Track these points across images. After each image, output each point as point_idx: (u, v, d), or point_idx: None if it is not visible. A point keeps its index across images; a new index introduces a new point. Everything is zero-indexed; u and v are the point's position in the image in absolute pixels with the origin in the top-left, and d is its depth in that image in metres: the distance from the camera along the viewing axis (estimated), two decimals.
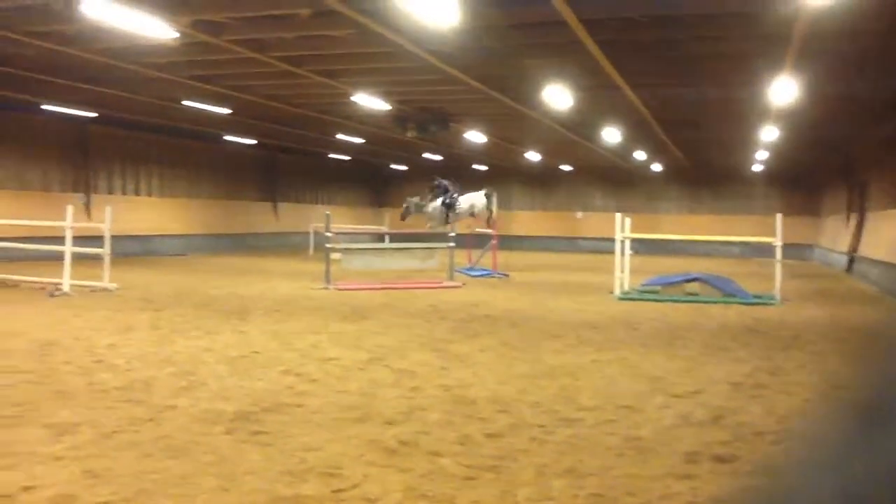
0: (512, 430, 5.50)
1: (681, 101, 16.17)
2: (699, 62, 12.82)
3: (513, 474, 4.56)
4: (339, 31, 11.70)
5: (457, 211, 21.15)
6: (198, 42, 12.08)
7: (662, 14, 10.26)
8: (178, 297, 13.34)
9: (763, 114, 16.81)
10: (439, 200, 21.05)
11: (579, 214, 36.84)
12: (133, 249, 22.07)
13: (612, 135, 21.39)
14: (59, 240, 13.81)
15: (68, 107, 19.75)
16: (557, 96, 14.72)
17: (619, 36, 11.03)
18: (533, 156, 29.55)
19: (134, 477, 4.37)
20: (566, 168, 34.98)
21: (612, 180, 35.39)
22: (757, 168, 31.36)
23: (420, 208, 20.92)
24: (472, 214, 21.47)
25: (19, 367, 7.23)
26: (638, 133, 21.52)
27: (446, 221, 21.21)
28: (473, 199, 21.55)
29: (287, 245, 30.87)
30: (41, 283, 13.92)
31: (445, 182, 21.61)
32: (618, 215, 15.40)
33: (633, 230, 15.68)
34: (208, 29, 11.36)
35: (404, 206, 21.07)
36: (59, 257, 13.71)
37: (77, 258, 13.70)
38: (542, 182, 36.96)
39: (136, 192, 25.79)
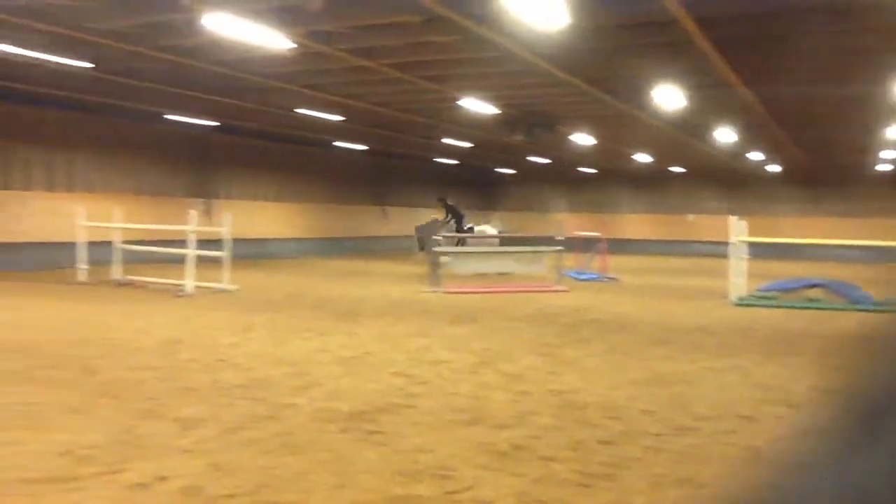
0: (625, 437, 5.42)
1: (801, 98, 15.49)
2: (820, 58, 12.26)
3: (627, 482, 4.50)
4: (447, 37, 11.81)
5: (468, 241, 21.05)
6: (311, 52, 12.46)
7: (780, 8, 9.88)
8: (294, 299, 13.78)
9: (890, 111, 15.91)
10: (450, 225, 21.02)
11: (691, 217, 35.85)
12: (250, 252, 22.92)
13: (725, 134, 20.71)
14: (184, 243, 14.53)
15: (191, 116, 20.77)
16: (668, 96, 14.39)
17: (734, 32, 10.68)
18: (642, 157, 28.95)
19: (256, 471, 4.55)
20: (677, 170, 34.09)
21: (726, 181, 34.24)
22: (882, 168, 29.66)
23: (430, 232, 20.90)
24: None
25: (150, 364, 7.66)
26: (753, 132, 20.75)
27: (456, 244, 21.17)
28: (485, 231, 21.46)
29: (394, 248, 31.38)
30: (167, 284, 14.67)
31: (456, 207, 21.58)
32: (732, 217, 14.90)
33: (749, 233, 15.13)
34: (321, 38, 11.71)
35: (416, 235, 21.12)
36: (183, 260, 14.42)
37: (199, 260, 14.37)
38: (651, 184, 36.17)
39: (254, 198, 26.79)
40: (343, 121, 20.51)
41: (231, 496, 4.17)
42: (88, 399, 6.20)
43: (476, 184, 39.34)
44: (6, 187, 19.09)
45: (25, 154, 19.52)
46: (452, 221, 21.25)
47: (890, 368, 0.71)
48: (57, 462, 4.64)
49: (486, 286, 15.87)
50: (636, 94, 15.21)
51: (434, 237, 20.53)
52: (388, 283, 17.50)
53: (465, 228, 20.95)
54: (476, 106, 16.99)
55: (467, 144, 26.38)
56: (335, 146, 27.64)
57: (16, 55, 12.65)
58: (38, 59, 12.83)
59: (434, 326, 10.74)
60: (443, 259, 16.58)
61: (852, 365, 0.71)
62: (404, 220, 32.83)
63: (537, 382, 7.18)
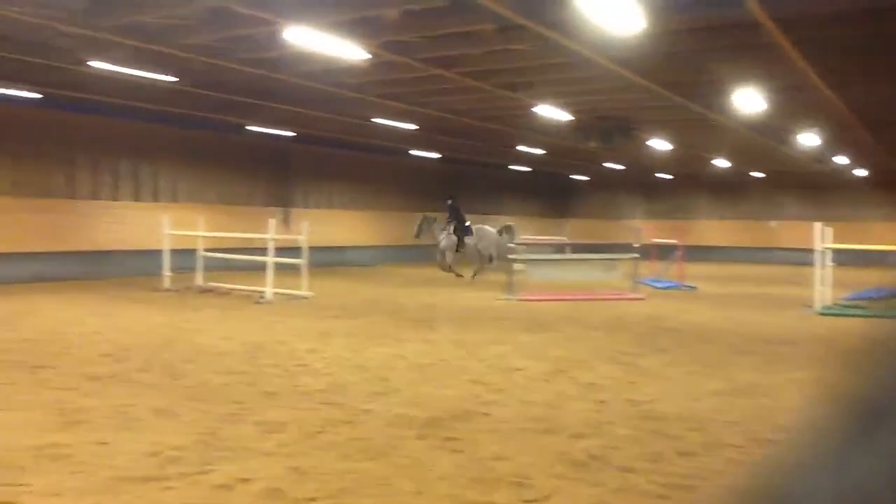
0: (706, 449, 5.31)
1: (888, 100, 14.91)
2: None
3: (708, 495, 4.41)
4: (522, 45, 11.82)
5: (465, 244, 20.63)
6: (386, 62, 12.64)
7: (866, 8, 9.54)
8: (370, 306, 13.97)
9: None
10: (452, 228, 20.58)
11: (773, 223, 34.83)
12: (326, 260, 23.32)
13: (808, 138, 20.07)
14: (263, 251, 14.91)
15: (271, 127, 21.31)
16: (748, 99, 14.04)
17: (817, 33, 10.38)
18: (721, 162, 28.30)
19: (336, 475, 4.64)
20: (757, 174, 33.20)
21: (809, 186, 33.15)
22: None
23: (430, 226, 20.52)
24: (478, 250, 20.91)
25: (233, 369, 7.89)
26: (839, 135, 20.05)
27: (456, 250, 20.69)
28: (483, 236, 20.95)
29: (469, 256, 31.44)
30: (247, 291, 15.06)
31: (457, 205, 21.14)
32: (817, 224, 14.41)
33: (836, 240, 14.61)
34: (397, 49, 11.86)
35: (420, 221, 20.64)
36: (262, 267, 14.79)
37: (278, 268, 14.70)
38: (731, 189, 35.32)
39: (329, 206, 27.27)
40: (417, 129, 20.71)
41: (312, 499, 4.26)
42: (175, 402, 6.42)
43: (549, 191, 39.13)
44: (96, 197, 19.92)
45: (114, 165, 20.35)
46: (453, 225, 20.77)
47: (890, 371, 0.70)
48: (147, 462, 4.83)
49: (562, 294, 15.75)
50: (715, 98, 14.91)
51: (442, 240, 20.40)
52: (462, 290, 17.56)
53: (459, 234, 20.55)
54: (551, 112, 16.93)
55: (541, 151, 26.29)
56: (409, 154, 27.91)
57: (107, 70, 13.21)
58: (126, 73, 13.38)
59: (509, 334, 10.73)
60: (517, 267, 16.54)
61: (853, 367, 0.72)
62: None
63: (614, 392, 7.10)
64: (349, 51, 11.02)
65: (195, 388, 7.02)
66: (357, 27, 10.49)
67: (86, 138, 19.58)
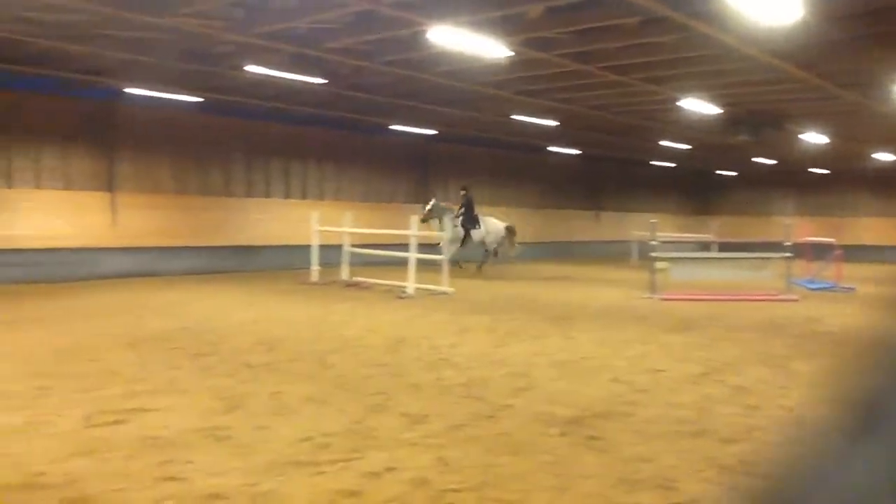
0: None
1: None
2: None
3: None
4: (667, 37, 11.52)
5: (472, 238, 19.63)
6: (527, 58, 12.64)
7: None
8: (508, 302, 14.02)
9: None
10: (461, 220, 19.61)
11: None
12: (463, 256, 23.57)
13: None
14: (404, 247, 15.27)
15: (413, 126, 21.79)
16: None
17: None
18: (882, 156, 26.44)
19: (479, 468, 4.70)
20: None
21: None
22: None
23: (440, 213, 19.49)
24: (483, 243, 19.92)
25: (378, 361, 8.13)
26: None
27: (462, 244, 19.65)
28: (491, 229, 19.92)
29: (608, 253, 30.99)
30: (390, 285, 15.47)
31: (471, 196, 20.09)
32: None
33: None
34: (539, 45, 11.84)
35: (429, 206, 19.53)
36: (403, 262, 15.15)
37: (419, 264, 15.00)
38: (893, 185, 32.89)
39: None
40: (557, 125, 20.57)
41: (457, 490, 4.34)
42: (325, 390, 6.70)
43: (694, 187, 37.88)
44: (249, 195, 21.04)
45: (266, 165, 21.41)
46: (461, 216, 19.85)
47: (890, 373, 0.71)
48: (301, 447, 5.07)
49: (707, 294, 15.21)
50: (876, 87, 13.97)
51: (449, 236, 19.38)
52: (602, 287, 17.30)
53: (467, 225, 19.63)
54: (697, 106, 16.39)
55: (686, 146, 25.48)
56: (549, 151, 27.77)
57: (261, 75, 13.92)
58: (279, 77, 14.04)
59: (652, 333, 10.48)
60: (659, 265, 16.11)
61: (854, 368, 0.72)
62: (618, 225, 32.35)
63: (766, 397, 6.79)
64: (491, 48, 11.10)
65: (342, 378, 7.29)
66: (499, 25, 10.55)
67: (241, 140, 20.71)
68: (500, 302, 14.13)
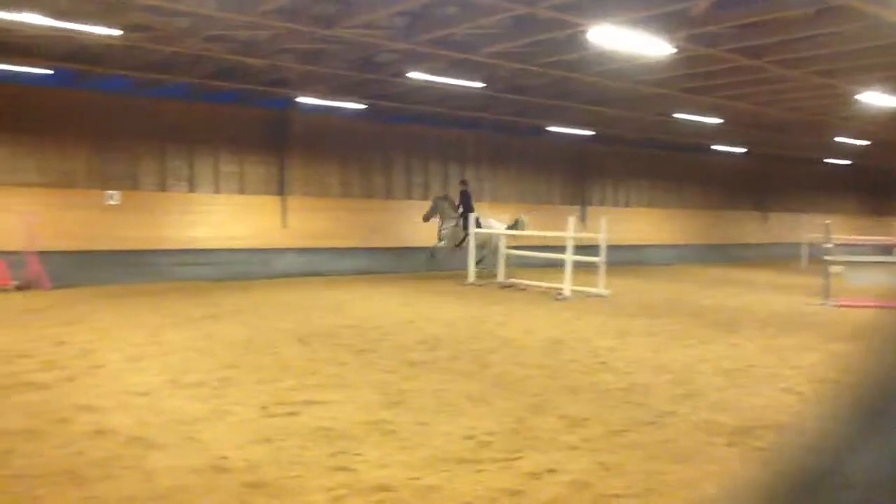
0: None
1: None
2: None
3: None
4: (844, 27, 10.82)
5: (468, 239, 17.62)
6: (691, 55, 12.25)
7: None
8: (669, 306, 13.63)
9: None
10: (455, 219, 17.94)
11: None
12: (624, 258, 23.13)
13: None
14: (560, 248, 15.19)
15: (569, 127, 21.63)
16: None
17: None
18: None
19: (642, 475, 4.62)
20: None
21: None
22: None
23: (444, 210, 17.96)
24: (483, 245, 17.93)
25: (536, 362, 8.16)
26: None
27: (458, 245, 17.86)
28: (492, 227, 18.00)
29: (776, 256, 29.42)
30: (546, 287, 15.44)
31: (470, 193, 18.37)
32: None
33: None
34: (704, 41, 11.45)
35: (431, 205, 17.97)
36: (559, 264, 15.07)
37: (575, 265, 14.87)
38: None
39: (626, 204, 27.01)
40: (721, 123, 19.78)
41: (619, 496, 4.29)
42: (484, 389, 6.80)
43: (873, 186, 35.24)
44: (409, 197, 21.63)
45: (424, 167, 21.94)
46: (459, 214, 18.24)
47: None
48: (462, 444, 5.18)
49: (889, 301, 14.10)
50: None
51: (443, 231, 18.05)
52: (769, 292, 16.45)
53: (466, 224, 17.86)
54: (877, 99, 15.26)
55: (863, 142, 23.77)
56: (711, 150, 26.74)
57: (423, 81, 14.30)
58: (440, 82, 14.37)
59: (826, 342, 9.86)
60: (834, 269, 15.12)
61: (864, 356, 0.75)
62: (786, 227, 30.67)
63: None
64: (653, 46, 10.85)
65: (501, 377, 7.37)
66: (662, 21, 10.30)
67: (401, 144, 21.35)
68: (660, 305, 13.76)
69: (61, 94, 16.21)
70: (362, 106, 18.14)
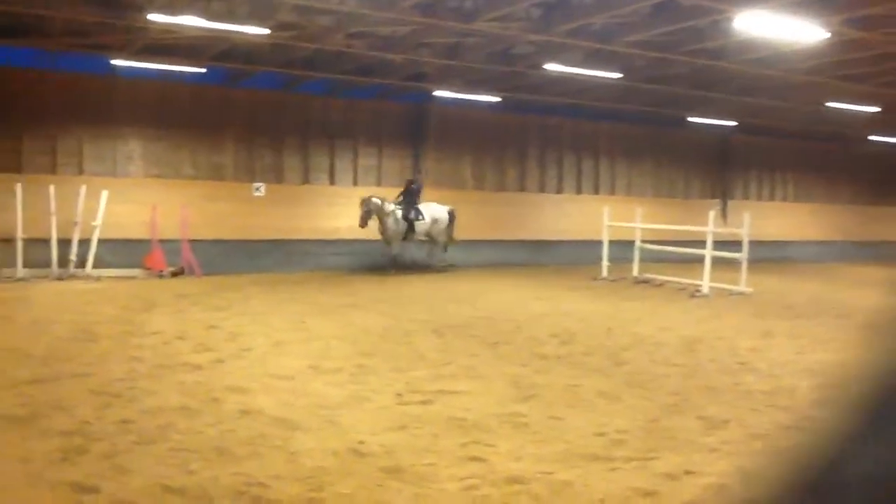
0: None
1: None
2: None
3: None
4: None
5: (416, 229, 16.45)
6: (847, 40, 11.52)
7: None
8: (816, 306, 12.92)
9: None
10: (399, 211, 16.44)
11: None
12: (766, 255, 22.10)
13: None
14: (698, 244, 14.68)
15: (711, 118, 20.84)
16: None
17: None
18: None
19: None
20: None
21: None
22: None
23: (378, 211, 16.42)
24: (431, 235, 16.79)
25: (672, 360, 7.95)
26: None
27: (404, 238, 16.50)
28: (436, 214, 16.64)
29: None
30: (683, 283, 14.97)
31: (419, 188, 16.88)
32: None
33: None
34: (862, 24, 10.75)
35: (363, 208, 16.25)
36: (697, 260, 14.57)
37: (715, 262, 14.33)
38: None
39: (770, 198, 25.78)
40: (880, 112, 18.50)
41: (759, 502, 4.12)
42: (617, 387, 6.70)
43: None
44: (542, 190, 21.53)
45: (558, 159, 21.76)
46: (392, 208, 16.79)
47: None
48: (595, 441, 5.12)
49: None
50: None
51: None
52: None
53: (410, 215, 16.71)
54: None
55: None
56: (867, 141, 25.05)
57: (559, 72, 14.18)
58: (576, 73, 14.20)
59: None
60: None
61: (883, 344, 0.75)
62: None
63: None
64: (805, 32, 10.28)
65: (635, 375, 7.23)
66: (817, 5, 9.74)
67: (535, 136, 21.26)
68: (805, 305, 13.07)
69: (213, 91, 17.19)
70: (497, 98, 18.18)
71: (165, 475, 4.35)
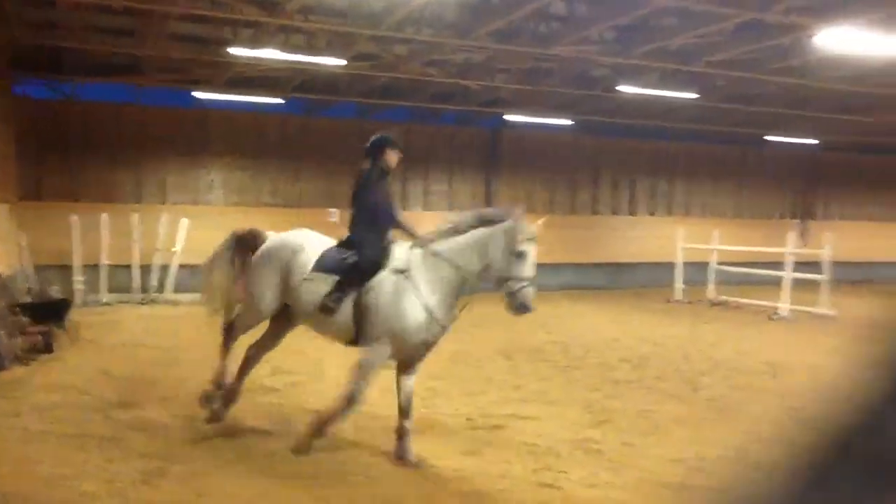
0: None
1: None
2: None
3: None
4: None
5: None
6: None
7: None
8: None
9: None
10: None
11: None
12: (853, 276, 21.26)
13: None
14: (777, 266, 14.24)
15: (793, 136, 20.27)
16: None
17: None
18: None
19: None
20: None
21: None
22: None
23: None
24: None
25: (753, 385, 7.72)
26: None
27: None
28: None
29: None
30: (761, 306, 14.51)
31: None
32: None
33: None
34: None
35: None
36: (776, 282, 14.12)
37: (795, 283, 13.87)
38: None
39: (855, 218, 24.83)
40: None
41: None
42: (696, 413, 6.53)
43: None
44: (616, 212, 21.24)
45: (632, 182, 21.47)
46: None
47: None
48: (672, 468, 5.01)
49: None
50: None
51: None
52: None
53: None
54: None
55: None
56: None
57: (633, 94, 14.03)
58: (651, 94, 14.02)
59: None
60: None
61: (888, 342, 0.78)
62: None
63: None
64: (891, 47, 9.93)
65: (714, 401, 7.04)
66: None
67: (608, 158, 21.02)
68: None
69: (293, 120, 17.64)
70: (569, 122, 18.10)
71: (242, 497, 4.43)
